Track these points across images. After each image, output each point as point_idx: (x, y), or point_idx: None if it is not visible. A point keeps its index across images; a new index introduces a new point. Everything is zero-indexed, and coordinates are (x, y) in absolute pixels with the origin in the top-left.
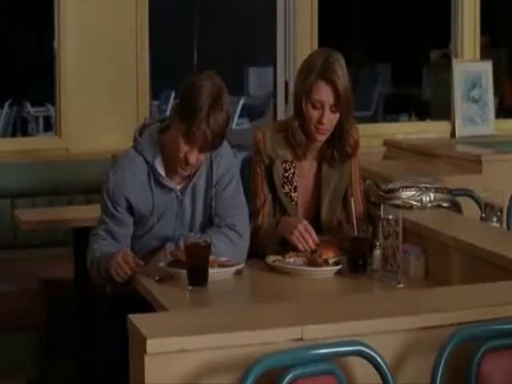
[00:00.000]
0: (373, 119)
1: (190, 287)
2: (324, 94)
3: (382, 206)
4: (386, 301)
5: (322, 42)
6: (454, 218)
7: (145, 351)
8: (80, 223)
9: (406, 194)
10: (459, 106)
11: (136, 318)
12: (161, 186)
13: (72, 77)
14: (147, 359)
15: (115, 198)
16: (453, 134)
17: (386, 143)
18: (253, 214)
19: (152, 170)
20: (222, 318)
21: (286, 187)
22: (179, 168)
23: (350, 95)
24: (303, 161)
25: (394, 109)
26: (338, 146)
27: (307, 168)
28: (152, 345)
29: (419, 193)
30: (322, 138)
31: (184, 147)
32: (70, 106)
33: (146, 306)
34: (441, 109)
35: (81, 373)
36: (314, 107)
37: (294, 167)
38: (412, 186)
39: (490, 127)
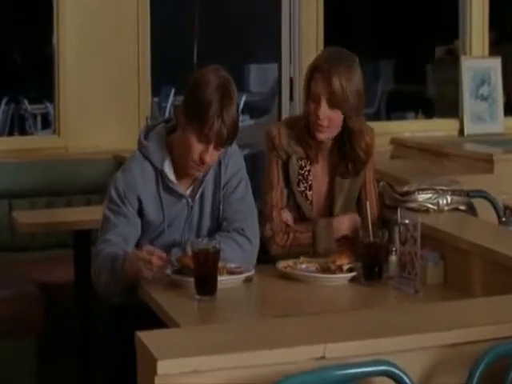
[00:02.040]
0: (375, 116)
1: (197, 296)
2: (320, 87)
3: (398, 210)
4: (412, 315)
5: (327, 37)
6: (472, 222)
7: (155, 372)
8: (80, 225)
9: (423, 196)
10: (467, 103)
11: (145, 336)
12: (170, 192)
13: (71, 74)
14: (157, 381)
15: (127, 197)
16: (461, 132)
17: (393, 141)
18: (268, 208)
19: (161, 176)
20: (237, 335)
21: (302, 185)
22: (192, 169)
23: (353, 93)
24: (315, 164)
25: (397, 106)
26: (349, 151)
27: (320, 173)
28: (163, 366)
29: (436, 195)
30: (321, 137)
31: (198, 147)
32: (69, 104)
33: (150, 313)
34: (446, 106)
35: (81, 378)
36: (313, 101)
37: (310, 164)
38: (428, 189)
39: (499, 125)
